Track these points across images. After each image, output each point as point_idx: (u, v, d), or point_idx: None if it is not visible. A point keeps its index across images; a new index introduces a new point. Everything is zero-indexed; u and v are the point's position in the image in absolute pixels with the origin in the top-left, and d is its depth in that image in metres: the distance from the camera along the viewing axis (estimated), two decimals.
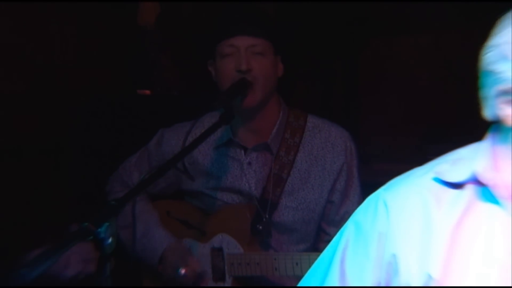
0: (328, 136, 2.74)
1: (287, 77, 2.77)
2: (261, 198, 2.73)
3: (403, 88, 4.59)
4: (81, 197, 3.18)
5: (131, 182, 2.88)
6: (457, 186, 1.48)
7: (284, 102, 2.80)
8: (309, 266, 1.68)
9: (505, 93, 1.40)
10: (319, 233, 2.78)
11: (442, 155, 1.55)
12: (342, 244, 1.58)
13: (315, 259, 1.67)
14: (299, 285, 1.70)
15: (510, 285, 1.39)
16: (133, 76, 3.89)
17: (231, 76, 2.60)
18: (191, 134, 2.44)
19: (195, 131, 2.53)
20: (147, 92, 3.97)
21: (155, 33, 3.88)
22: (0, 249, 2.34)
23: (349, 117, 4.62)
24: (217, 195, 2.78)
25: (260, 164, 2.75)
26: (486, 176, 1.45)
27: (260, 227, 2.71)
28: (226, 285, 2.71)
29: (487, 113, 1.44)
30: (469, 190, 1.47)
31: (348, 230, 1.59)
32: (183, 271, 2.68)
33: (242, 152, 2.76)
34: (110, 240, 1.71)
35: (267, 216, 2.71)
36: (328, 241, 1.64)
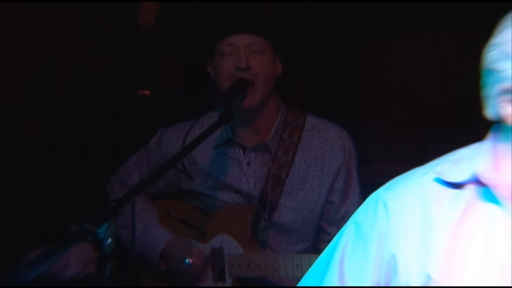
0: (327, 136, 2.74)
1: (287, 77, 2.78)
2: (260, 198, 2.73)
3: (402, 88, 4.59)
4: (81, 198, 3.18)
5: (130, 182, 2.88)
6: (457, 186, 1.48)
7: (283, 102, 2.80)
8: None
9: (506, 91, 1.40)
10: (319, 233, 2.78)
11: (443, 155, 1.55)
12: (341, 244, 1.58)
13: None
14: (298, 285, 1.70)
15: (510, 285, 1.39)
16: (133, 76, 3.88)
17: (230, 74, 2.60)
18: (191, 134, 2.44)
19: (195, 131, 2.53)
20: (147, 92, 3.97)
21: (154, 34, 3.88)
22: (0, 249, 2.34)
23: (348, 117, 4.62)
24: (217, 194, 2.78)
25: (258, 164, 2.75)
26: (486, 176, 1.44)
27: (260, 228, 2.71)
28: (226, 285, 2.71)
29: (489, 112, 1.44)
30: (470, 190, 1.47)
31: (348, 230, 1.59)
32: (190, 261, 2.68)
33: (241, 152, 2.76)
34: (109, 240, 1.71)
35: (266, 217, 2.71)
36: (329, 241, 1.64)
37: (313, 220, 2.74)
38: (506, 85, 1.40)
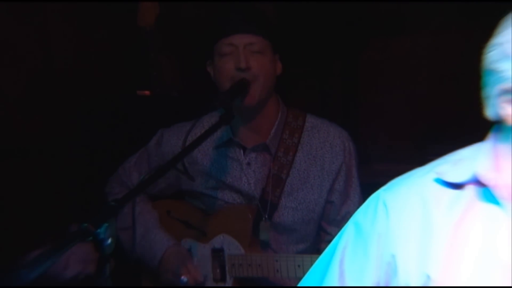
0: (327, 136, 2.74)
1: (286, 77, 2.78)
2: (261, 198, 2.73)
3: (402, 88, 4.58)
4: (81, 198, 3.17)
5: (130, 182, 2.88)
6: (457, 186, 1.48)
7: (283, 102, 2.80)
8: None
9: (506, 92, 1.40)
10: (320, 233, 2.79)
11: (443, 156, 1.55)
12: (341, 244, 1.59)
13: None
14: (299, 285, 1.70)
15: (510, 285, 1.39)
16: (133, 76, 3.88)
17: (230, 74, 2.60)
18: (191, 134, 2.44)
19: (195, 131, 2.53)
20: (147, 92, 3.96)
21: (154, 34, 3.88)
22: (0, 249, 2.34)
23: (348, 117, 4.62)
24: (217, 194, 2.78)
25: (259, 164, 2.75)
26: (487, 177, 1.45)
27: (261, 228, 2.71)
28: (226, 285, 2.70)
29: (489, 112, 1.44)
30: (470, 191, 1.47)
31: (348, 230, 1.59)
32: (185, 279, 2.68)
33: (241, 152, 2.76)
34: (109, 240, 1.71)
35: (266, 217, 2.71)
36: (330, 241, 1.64)
37: (314, 220, 2.74)
38: (506, 85, 1.40)
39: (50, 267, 1.61)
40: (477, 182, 1.46)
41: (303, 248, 2.76)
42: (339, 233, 1.62)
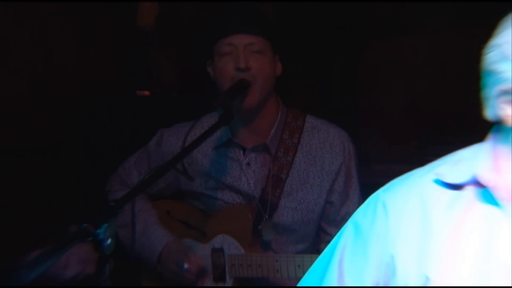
0: (327, 136, 2.74)
1: (286, 77, 2.77)
2: (261, 198, 2.73)
3: (402, 88, 4.59)
4: (81, 198, 3.18)
5: (130, 182, 2.88)
6: (457, 187, 1.48)
7: (282, 102, 2.80)
8: None
9: (505, 93, 1.40)
10: (320, 233, 2.78)
11: (443, 156, 1.55)
12: (341, 244, 1.59)
13: None
14: (298, 285, 1.70)
15: (509, 286, 1.39)
16: (132, 77, 3.89)
17: (230, 75, 2.60)
18: (191, 134, 2.44)
19: (195, 132, 2.53)
20: (146, 93, 3.97)
21: (154, 34, 3.88)
22: (0, 249, 2.34)
23: (348, 117, 4.62)
24: (217, 195, 2.78)
25: (259, 164, 2.75)
26: (486, 178, 1.44)
27: (262, 228, 2.71)
28: (226, 285, 2.70)
29: (488, 113, 1.44)
30: (469, 192, 1.47)
31: (347, 230, 1.59)
32: (186, 265, 2.68)
33: (241, 152, 2.76)
34: (109, 241, 1.71)
35: (267, 217, 2.71)
36: (329, 242, 1.64)
37: (313, 221, 2.74)
38: (505, 86, 1.40)
39: (50, 267, 1.61)
40: (476, 183, 1.46)
41: (302, 248, 2.76)
42: (338, 233, 1.62)
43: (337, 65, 4.71)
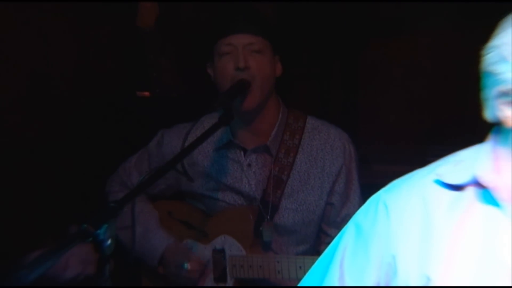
0: (327, 138, 2.74)
1: (286, 77, 2.77)
2: (262, 199, 2.73)
3: (402, 89, 4.59)
4: (81, 199, 3.18)
5: (130, 182, 2.88)
6: (458, 188, 1.48)
7: (283, 103, 2.80)
8: None
9: (504, 94, 1.40)
10: (320, 235, 2.78)
11: (443, 157, 1.55)
12: (342, 245, 1.59)
13: None
14: (298, 285, 1.70)
15: (510, 286, 1.39)
16: (132, 77, 3.88)
17: (229, 75, 2.60)
18: (191, 135, 2.44)
19: (195, 132, 2.53)
20: (146, 93, 3.96)
21: (154, 35, 3.88)
22: (0, 250, 2.34)
23: (348, 117, 4.62)
24: (218, 196, 2.78)
25: (259, 165, 2.75)
26: (486, 179, 1.45)
27: (263, 229, 2.71)
28: (227, 286, 2.71)
29: (488, 114, 1.44)
30: (470, 192, 1.47)
31: (348, 231, 1.59)
32: (187, 265, 2.68)
33: (242, 153, 2.76)
34: (109, 241, 1.71)
35: (268, 218, 2.71)
36: (330, 243, 1.64)
37: (314, 222, 2.74)
38: (504, 87, 1.40)
39: (50, 268, 1.61)
40: (477, 183, 1.46)
41: (303, 249, 2.76)
42: (339, 234, 1.62)
43: (337, 65, 4.71)
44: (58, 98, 3.44)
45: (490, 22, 1.48)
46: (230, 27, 2.63)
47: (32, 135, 3.22)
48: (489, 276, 1.40)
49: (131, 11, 3.83)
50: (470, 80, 1.54)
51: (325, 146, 2.73)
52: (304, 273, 2.46)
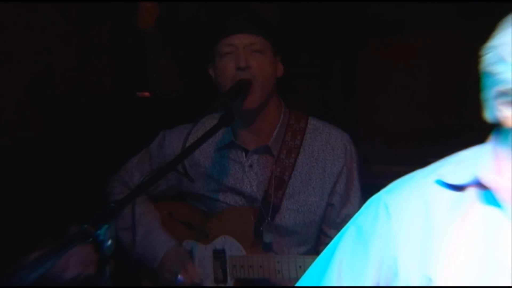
0: (329, 138, 2.74)
1: (286, 77, 2.77)
2: (263, 200, 2.73)
3: (402, 89, 4.58)
4: (81, 199, 3.18)
5: (132, 183, 2.88)
6: (459, 188, 1.48)
7: (285, 104, 2.80)
8: None
9: (504, 94, 1.40)
10: (320, 235, 2.78)
11: (444, 157, 1.55)
12: (341, 245, 1.59)
13: None
14: (297, 284, 1.70)
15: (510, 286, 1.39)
16: (132, 78, 3.88)
17: (230, 74, 2.60)
18: (192, 136, 2.44)
19: (196, 133, 2.53)
20: (147, 94, 3.96)
21: (154, 35, 3.88)
22: (0, 251, 2.34)
23: (348, 118, 4.62)
24: (219, 197, 2.78)
25: (261, 166, 2.74)
26: (487, 179, 1.44)
27: (264, 230, 2.70)
28: (227, 286, 2.70)
29: (487, 114, 1.44)
30: (471, 193, 1.47)
31: (348, 232, 1.59)
32: (180, 277, 2.68)
33: (243, 154, 2.75)
34: (109, 242, 1.71)
35: (269, 219, 2.71)
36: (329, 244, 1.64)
37: (315, 223, 2.74)
38: (503, 87, 1.40)
39: (50, 268, 1.61)
40: (478, 184, 1.46)
41: (304, 250, 2.76)
42: (338, 234, 1.62)
43: (337, 65, 4.71)
44: (58, 98, 3.44)
45: (490, 22, 1.48)
46: (231, 27, 2.63)
47: (32, 136, 3.22)
48: (490, 277, 1.40)
49: (131, 11, 3.83)
50: (470, 81, 1.54)
51: (326, 147, 2.73)
52: (304, 272, 2.46)
